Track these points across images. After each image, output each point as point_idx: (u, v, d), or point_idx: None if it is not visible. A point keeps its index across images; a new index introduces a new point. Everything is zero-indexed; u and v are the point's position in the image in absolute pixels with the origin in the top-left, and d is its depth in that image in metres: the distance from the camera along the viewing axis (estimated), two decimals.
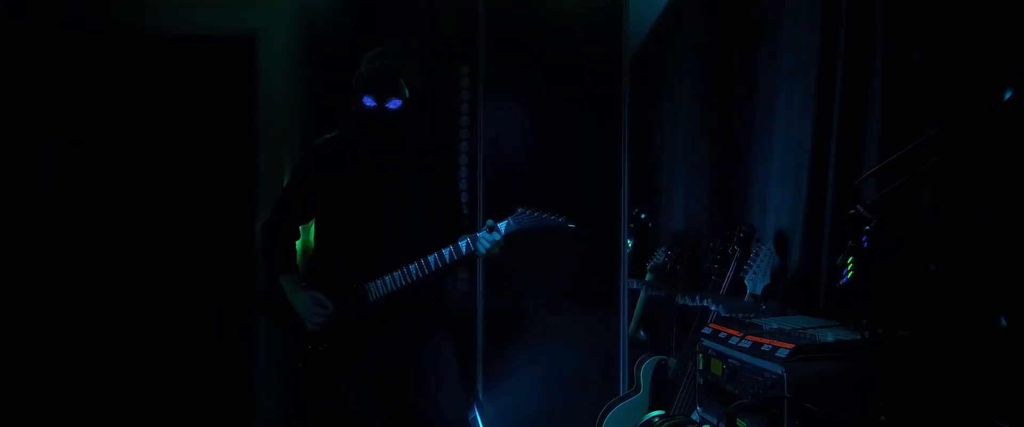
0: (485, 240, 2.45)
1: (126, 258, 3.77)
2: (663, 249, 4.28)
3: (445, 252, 2.46)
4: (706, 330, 2.60)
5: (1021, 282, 1.89)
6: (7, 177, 3.55)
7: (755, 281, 2.97)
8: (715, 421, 2.35)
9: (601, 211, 3.80)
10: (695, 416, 2.63)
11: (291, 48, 3.79)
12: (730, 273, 3.17)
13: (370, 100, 2.47)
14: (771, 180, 3.27)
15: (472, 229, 2.57)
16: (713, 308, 3.10)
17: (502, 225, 2.47)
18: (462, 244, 2.46)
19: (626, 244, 3.75)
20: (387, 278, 2.47)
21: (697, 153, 4.34)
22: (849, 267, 2.04)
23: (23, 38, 3.59)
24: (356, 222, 2.55)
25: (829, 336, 2.13)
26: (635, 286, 4.29)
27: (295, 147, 3.84)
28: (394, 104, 2.48)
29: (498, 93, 3.67)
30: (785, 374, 2.00)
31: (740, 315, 2.80)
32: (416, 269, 2.46)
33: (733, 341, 2.32)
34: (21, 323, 3.55)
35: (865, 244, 1.86)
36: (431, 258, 2.46)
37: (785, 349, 2.05)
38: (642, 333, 4.26)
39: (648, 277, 4.34)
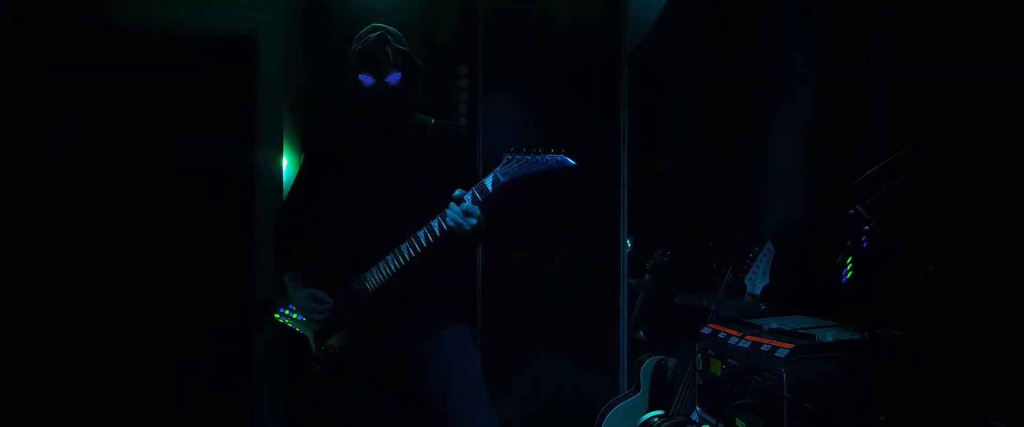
0: (450, 213, 2.15)
1: (123, 259, 3.76)
2: (662, 249, 4.28)
3: (433, 224, 2.19)
4: (705, 330, 2.60)
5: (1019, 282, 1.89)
6: (5, 176, 3.54)
7: (754, 281, 2.97)
8: (714, 421, 2.36)
9: (601, 210, 3.80)
10: (694, 416, 2.64)
11: (290, 49, 3.79)
12: (729, 273, 3.17)
13: (367, 77, 2.24)
14: (771, 180, 3.27)
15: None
16: (712, 308, 3.10)
17: (468, 194, 2.17)
18: (434, 223, 2.20)
19: (626, 243, 3.75)
20: (381, 264, 2.28)
21: (697, 152, 4.34)
22: (848, 267, 2.04)
23: (20, 36, 3.58)
24: (349, 211, 2.37)
25: (828, 336, 2.13)
26: (634, 285, 4.29)
27: (294, 148, 3.85)
28: (394, 78, 2.25)
29: (497, 94, 3.67)
30: (784, 374, 2.00)
31: (739, 315, 2.80)
32: (407, 248, 2.24)
33: (732, 341, 2.32)
34: (18, 324, 3.54)
35: (864, 244, 1.86)
36: (420, 233, 2.21)
37: (784, 349, 2.06)
38: (641, 333, 4.26)
39: (647, 277, 4.34)
